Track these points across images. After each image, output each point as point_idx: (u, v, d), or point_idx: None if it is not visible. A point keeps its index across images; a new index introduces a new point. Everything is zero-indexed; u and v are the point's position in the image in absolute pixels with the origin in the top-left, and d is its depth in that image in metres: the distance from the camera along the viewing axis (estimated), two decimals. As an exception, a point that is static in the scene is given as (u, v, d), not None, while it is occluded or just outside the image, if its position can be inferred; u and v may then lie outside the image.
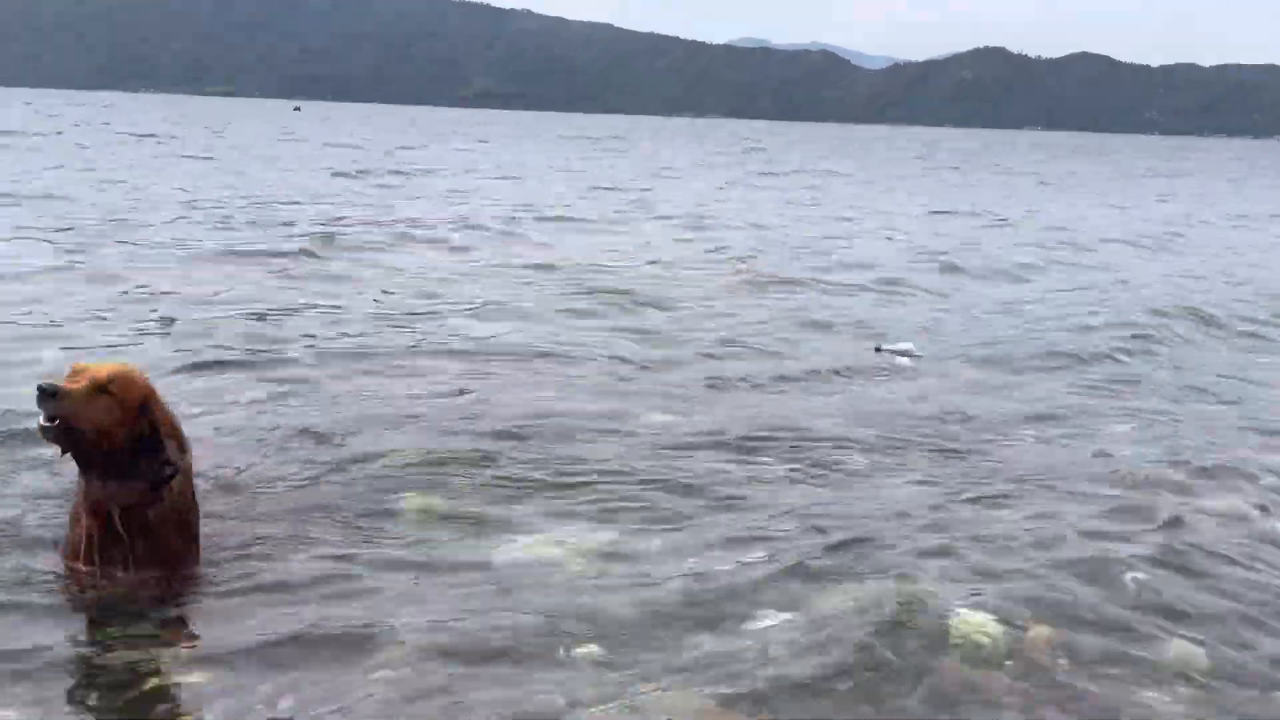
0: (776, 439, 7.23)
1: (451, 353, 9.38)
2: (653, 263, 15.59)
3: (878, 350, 10.95)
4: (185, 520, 5.00)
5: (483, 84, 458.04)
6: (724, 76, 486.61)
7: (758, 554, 5.30)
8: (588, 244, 17.48)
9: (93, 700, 3.96)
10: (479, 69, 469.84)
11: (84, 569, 4.84)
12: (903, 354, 10.96)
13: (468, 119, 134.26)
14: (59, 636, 4.36)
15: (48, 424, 4.55)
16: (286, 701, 3.93)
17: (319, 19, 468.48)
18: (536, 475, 6.29)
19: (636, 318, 11.67)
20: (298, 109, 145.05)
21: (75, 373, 4.69)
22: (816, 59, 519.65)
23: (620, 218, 22.26)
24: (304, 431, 6.89)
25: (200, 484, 5.42)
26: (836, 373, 9.55)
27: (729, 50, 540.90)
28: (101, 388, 4.63)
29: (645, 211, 24.00)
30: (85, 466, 4.73)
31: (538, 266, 14.68)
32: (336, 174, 30.85)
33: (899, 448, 7.20)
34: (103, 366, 4.75)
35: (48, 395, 4.50)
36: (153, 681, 4.06)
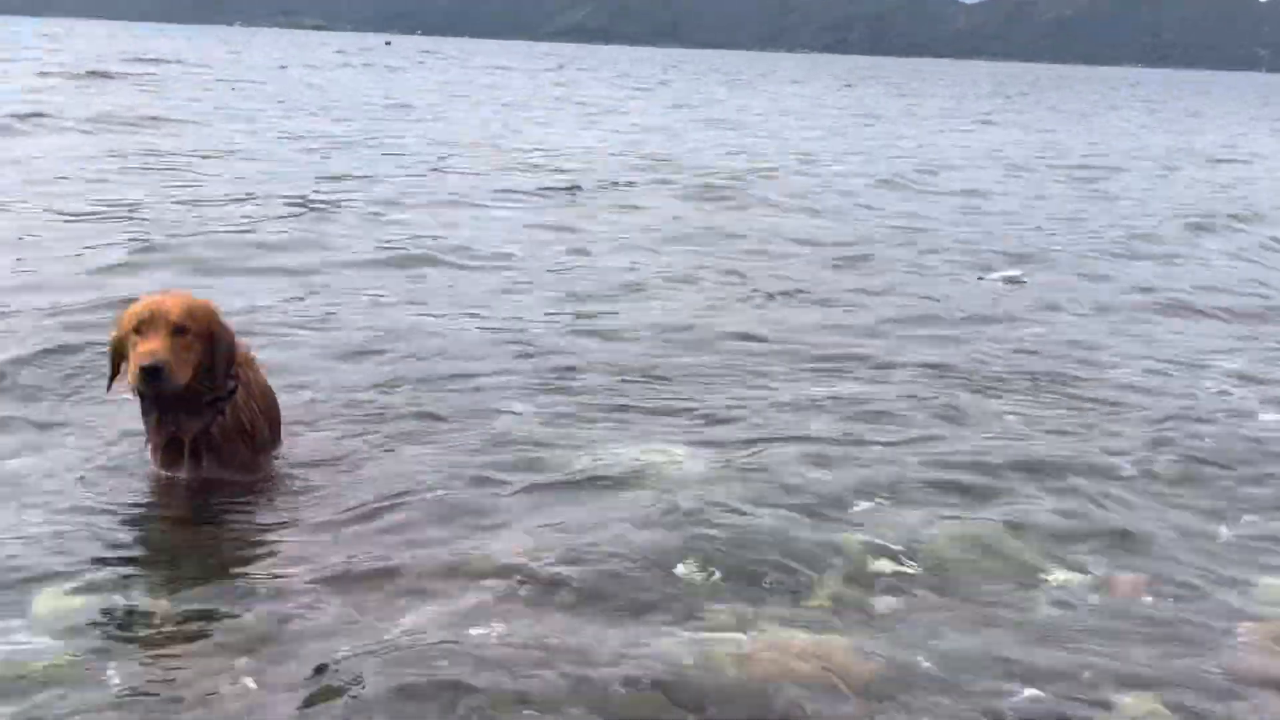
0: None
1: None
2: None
3: (980, 279, 10.90)
4: (251, 430, 5.06)
5: (569, 19, 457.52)
6: (816, 11, 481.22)
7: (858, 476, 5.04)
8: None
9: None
10: (566, 3, 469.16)
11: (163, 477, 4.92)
12: (1010, 280, 10.88)
13: (623, 56, 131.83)
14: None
15: (147, 391, 4.64)
16: (403, 619, 3.75)
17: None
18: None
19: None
20: (389, 43, 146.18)
21: (149, 315, 4.72)
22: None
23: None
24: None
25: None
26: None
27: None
28: (180, 328, 4.73)
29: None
30: (161, 408, 4.80)
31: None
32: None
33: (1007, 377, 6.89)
34: (172, 303, 4.80)
35: (152, 374, 4.57)
36: (261, 596, 3.91)
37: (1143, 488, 5.05)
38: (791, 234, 11.56)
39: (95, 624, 3.69)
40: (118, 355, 4.89)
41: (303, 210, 11.44)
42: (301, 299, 7.80)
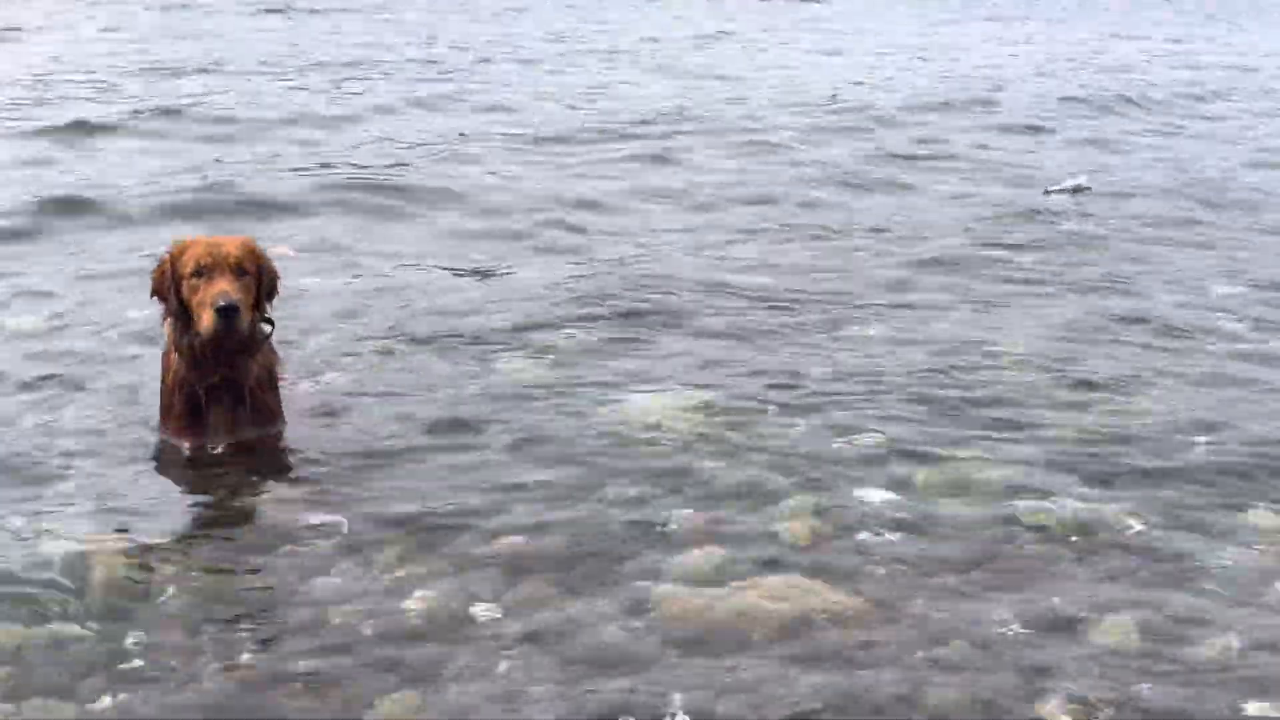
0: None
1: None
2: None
3: (1046, 193, 10.92)
4: (275, 376, 5.18)
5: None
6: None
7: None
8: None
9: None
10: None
11: (185, 438, 5.03)
12: (1075, 190, 10.90)
13: None
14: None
15: (223, 333, 4.69)
16: (404, 569, 4.08)
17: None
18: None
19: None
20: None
21: (209, 257, 4.73)
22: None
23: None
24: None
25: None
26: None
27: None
28: (242, 269, 4.78)
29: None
30: (216, 357, 4.84)
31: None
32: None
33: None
34: (231, 244, 4.85)
35: (230, 314, 4.63)
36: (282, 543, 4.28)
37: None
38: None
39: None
40: (165, 296, 4.87)
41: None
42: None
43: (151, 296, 4.99)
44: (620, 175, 10.91)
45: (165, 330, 5.04)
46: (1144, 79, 19.16)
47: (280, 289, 5.10)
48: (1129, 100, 16.39)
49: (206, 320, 4.66)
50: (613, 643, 3.64)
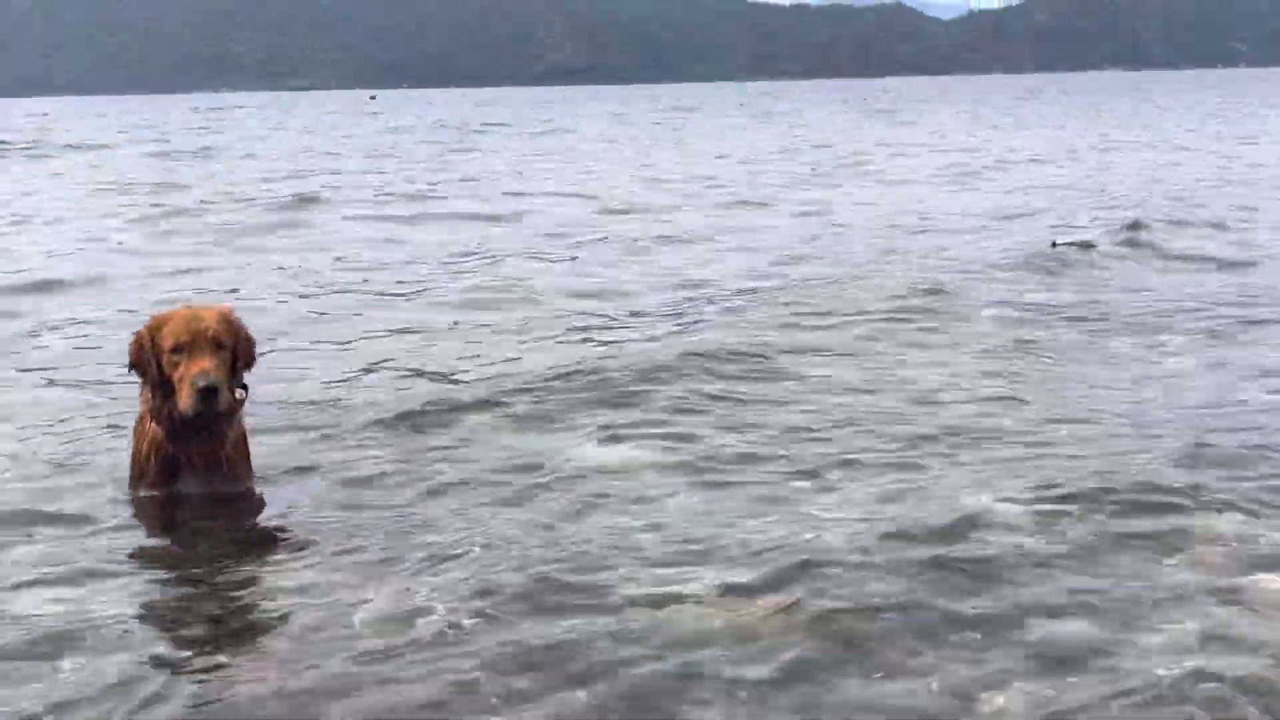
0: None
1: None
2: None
3: (1054, 246, 11.29)
4: (245, 439, 5.42)
5: (555, 59, 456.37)
6: (798, 37, 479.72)
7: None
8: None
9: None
10: (550, 44, 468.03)
11: (154, 495, 5.28)
12: (1082, 245, 11.34)
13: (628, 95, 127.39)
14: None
15: (205, 412, 4.91)
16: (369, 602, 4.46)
17: (385, 7, 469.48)
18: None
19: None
20: (373, 98, 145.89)
21: (189, 335, 4.91)
22: (890, 12, 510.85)
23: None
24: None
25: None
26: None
27: (800, 10, 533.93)
28: (219, 344, 4.96)
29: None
30: (195, 427, 5.06)
31: None
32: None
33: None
34: (210, 317, 5.02)
35: (211, 395, 4.86)
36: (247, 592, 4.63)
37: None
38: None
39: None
40: (145, 369, 5.04)
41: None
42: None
43: (129, 370, 5.26)
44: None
45: (141, 399, 5.33)
46: None
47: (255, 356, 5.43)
48: None
49: (186, 398, 4.92)
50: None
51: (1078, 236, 12.10)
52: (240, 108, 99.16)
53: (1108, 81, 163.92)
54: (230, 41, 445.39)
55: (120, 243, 15.91)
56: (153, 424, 5.19)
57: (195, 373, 4.84)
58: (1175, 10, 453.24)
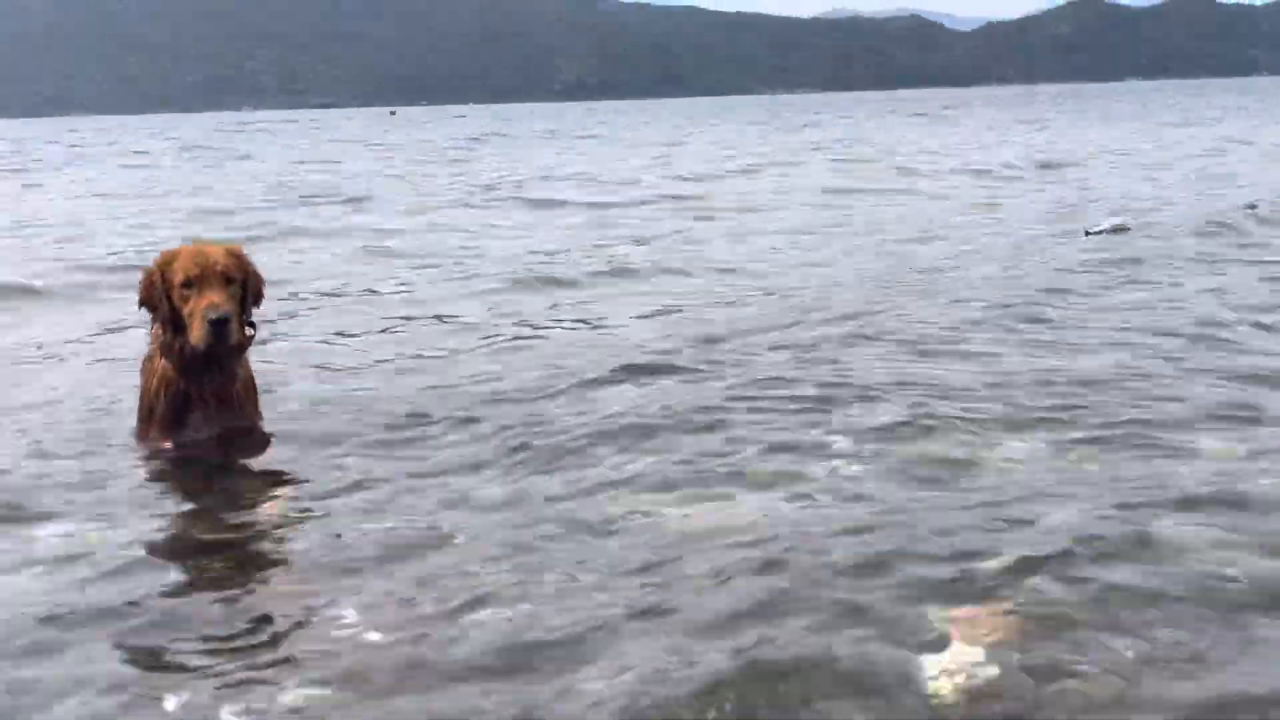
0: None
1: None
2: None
3: (1088, 234, 11.32)
4: (255, 387, 5.33)
5: (573, 75, 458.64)
6: (816, 50, 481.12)
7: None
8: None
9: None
10: (568, 60, 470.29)
11: (164, 441, 5.11)
12: (1115, 230, 11.37)
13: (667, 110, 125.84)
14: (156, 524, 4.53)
15: (215, 345, 4.82)
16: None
17: (402, 23, 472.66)
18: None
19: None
20: (393, 113, 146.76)
21: (198, 269, 4.81)
22: (907, 24, 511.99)
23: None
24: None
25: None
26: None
27: (817, 22, 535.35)
28: (229, 278, 4.89)
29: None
30: (204, 364, 4.96)
31: None
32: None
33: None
34: (218, 253, 4.92)
35: (221, 326, 4.77)
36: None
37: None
38: None
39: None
40: (155, 305, 4.95)
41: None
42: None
43: (140, 307, 5.13)
44: None
45: (151, 338, 5.20)
46: None
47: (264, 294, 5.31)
48: None
49: (198, 331, 4.77)
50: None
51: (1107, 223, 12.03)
52: (259, 124, 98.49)
53: (1151, 89, 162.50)
54: (250, 60, 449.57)
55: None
56: (163, 361, 5.06)
57: (205, 305, 4.75)
58: (1194, 21, 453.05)
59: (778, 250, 12.54)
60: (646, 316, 8.75)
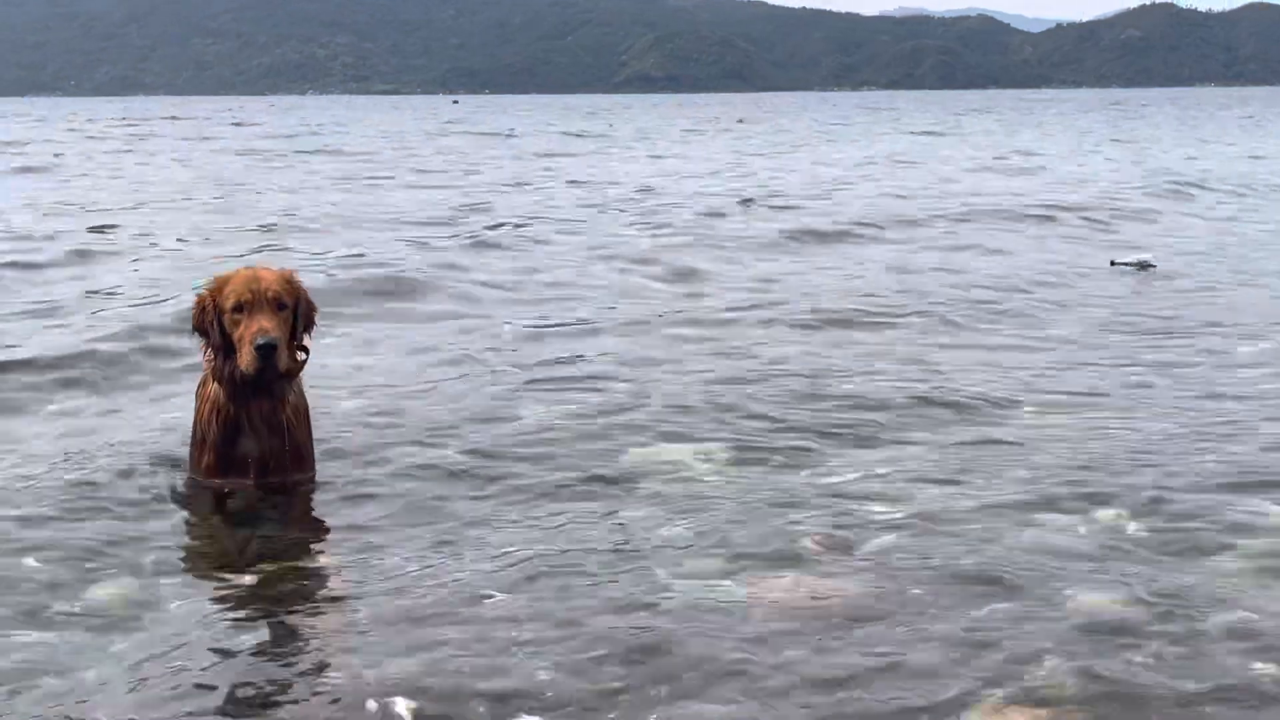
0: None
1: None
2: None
3: (1113, 264, 11.26)
4: (308, 414, 5.32)
5: (638, 68, 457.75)
6: (881, 48, 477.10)
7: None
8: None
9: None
10: (632, 53, 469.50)
11: (217, 472, 5.16)
12: (1140, 265, 11.30)
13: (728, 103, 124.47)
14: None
15: (264, 369, 4.86)
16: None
17: (466, 13, 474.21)
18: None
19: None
20: (455, 101, 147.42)
21: (250, 294, 4.87)
22: (975, 24, 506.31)
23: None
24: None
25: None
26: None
27: (883, 19, 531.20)
28: (281, 304, 4.92)
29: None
30: (254, 388, 5.00)
31: None
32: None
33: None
34: (270, 278, 4.97)
35: (270, 352, 4.80)
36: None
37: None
38: None
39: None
40: (207, 330, 5.00)
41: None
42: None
43: (193, 332, 5.18)
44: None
45: (204, 363, 5.25)
46: None
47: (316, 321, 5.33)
48: None
49: (247, 356, 4.80)
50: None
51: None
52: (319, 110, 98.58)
53: (1244, 96, 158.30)
54: (317, 47, 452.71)
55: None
56: (214, 385, 5.12)
57: (255, 331, 4.78)
58: (1268, 25, 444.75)
59: None
60: None
